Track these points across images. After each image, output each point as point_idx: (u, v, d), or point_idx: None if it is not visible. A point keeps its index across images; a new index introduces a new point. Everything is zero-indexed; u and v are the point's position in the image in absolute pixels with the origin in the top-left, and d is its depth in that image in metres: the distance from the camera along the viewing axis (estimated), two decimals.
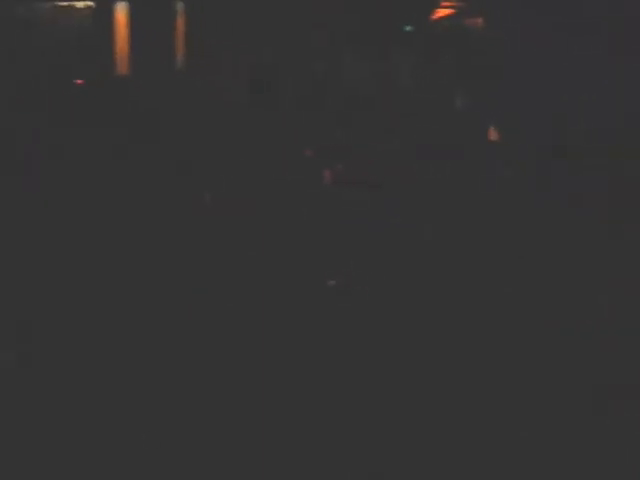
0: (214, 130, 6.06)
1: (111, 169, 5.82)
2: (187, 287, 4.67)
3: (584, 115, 5.51)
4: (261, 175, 5.78)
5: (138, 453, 3.37)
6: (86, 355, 4.01)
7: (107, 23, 6.14)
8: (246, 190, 5.74)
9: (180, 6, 6.09)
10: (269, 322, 4.28)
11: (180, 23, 6.11)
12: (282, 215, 5.49)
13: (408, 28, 6.07)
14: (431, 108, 5.88)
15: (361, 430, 3.50)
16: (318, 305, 4.55)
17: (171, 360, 4.00)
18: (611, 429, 3.51)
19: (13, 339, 4.16)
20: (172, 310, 4.44)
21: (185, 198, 5.70)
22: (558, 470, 3.29)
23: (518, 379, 3.86)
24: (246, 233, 5.29)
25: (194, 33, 6.05)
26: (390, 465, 3.34)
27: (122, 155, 5.95)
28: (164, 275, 4.79)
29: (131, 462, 3.33)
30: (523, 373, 3.90)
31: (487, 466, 3.29)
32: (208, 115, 6.11)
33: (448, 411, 3.61)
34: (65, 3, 6.21)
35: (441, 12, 6.12)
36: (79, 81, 6.37)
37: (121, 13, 6.14)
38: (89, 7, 6.23)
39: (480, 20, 6.01)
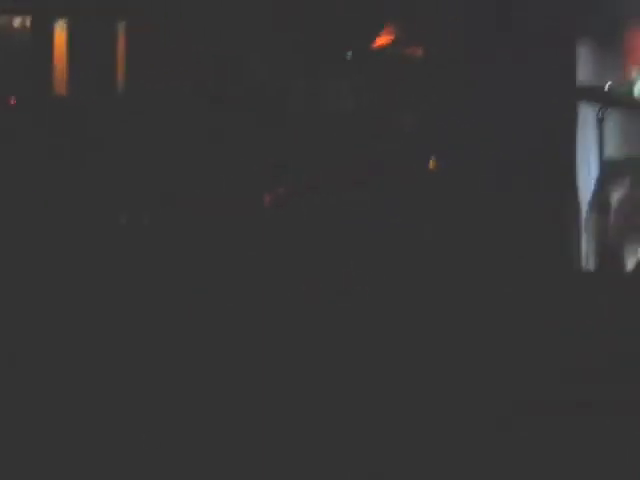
0: (152, 153, 6.02)
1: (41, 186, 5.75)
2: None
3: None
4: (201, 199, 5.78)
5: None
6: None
7: (45, 42, 6.05)
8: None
9: (121, 26, 6.04)
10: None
11: (121, 43, 6.05)
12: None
13: (348, 55, 6.13)
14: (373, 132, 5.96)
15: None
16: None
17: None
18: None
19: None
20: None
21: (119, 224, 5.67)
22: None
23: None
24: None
25: (136, 54, 6.01)
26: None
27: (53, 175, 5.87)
28: None
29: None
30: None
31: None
32: (147, 137, 6.07)
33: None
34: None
35: (381, 40, 6.21)
36: (12, 100, 6.25)
37: (60, 32, 6.06)
38: (26, 26, 6.12)
39: (420, 49, 6.12)
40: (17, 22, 6.13)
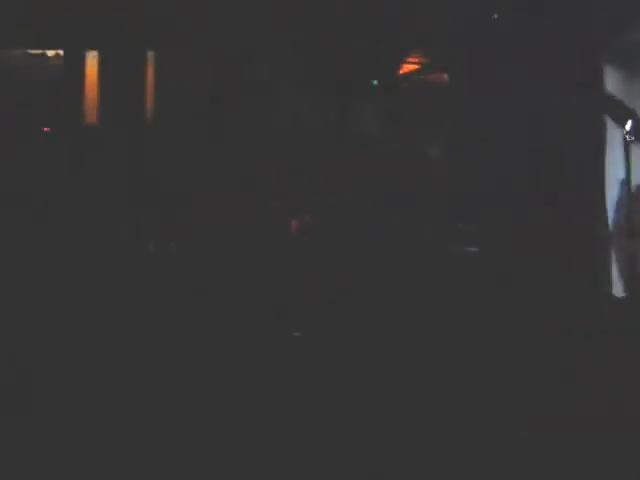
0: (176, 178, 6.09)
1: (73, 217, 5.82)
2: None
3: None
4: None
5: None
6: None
7: (77, 71, 6.18)
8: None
9: (151, 55, 6.16)
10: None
11: (150, 72, 6.16)
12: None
13: (375, 82, 6.20)
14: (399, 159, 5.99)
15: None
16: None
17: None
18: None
19: None
20: None
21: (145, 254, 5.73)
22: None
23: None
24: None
25: (165, 83, 6.12)
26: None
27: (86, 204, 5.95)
28: None
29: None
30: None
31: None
32: (173, 163, 6.15)
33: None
34: (36, 51, 6.25)
35: (406, 67, 6.28)
36: (46, 129, 6.37)
37: (91, 62, 6.19)
38: (59, 56, 6.26)
39: (445, 76, 6.18)
40: (51, 52, 6.28)
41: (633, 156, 5.80)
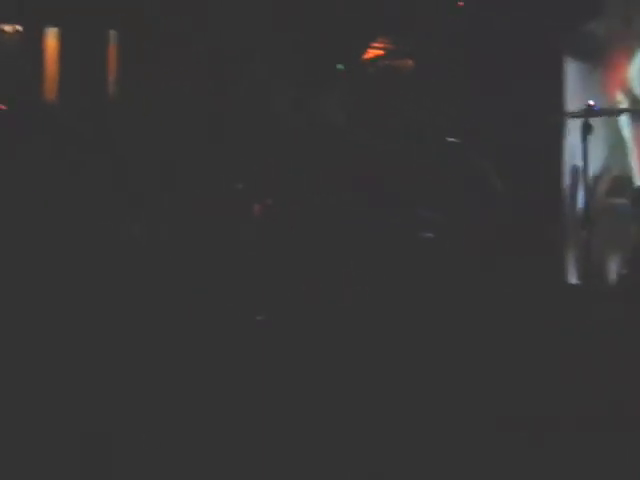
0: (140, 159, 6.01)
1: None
2: None
3: None
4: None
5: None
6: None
7: (36, 48, 6.04)
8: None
9: (113, 34, 6.04)
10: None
11: (112, 52, 6.05)
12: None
13: (340, 66, 6.17)
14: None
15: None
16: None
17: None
18: None
19: None
20: None
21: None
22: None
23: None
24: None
25: (128, 63, 6.01)
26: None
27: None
28: None
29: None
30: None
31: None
32: (135, 144, 6.05)
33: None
34: None
35: (372, 53, 6.26)
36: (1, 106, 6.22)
37: (51, 39, 6.05)
38: (18, 32, 6.11)
39: (410, 61, 6.19)
40: (9, 28, 6.11)
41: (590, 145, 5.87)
